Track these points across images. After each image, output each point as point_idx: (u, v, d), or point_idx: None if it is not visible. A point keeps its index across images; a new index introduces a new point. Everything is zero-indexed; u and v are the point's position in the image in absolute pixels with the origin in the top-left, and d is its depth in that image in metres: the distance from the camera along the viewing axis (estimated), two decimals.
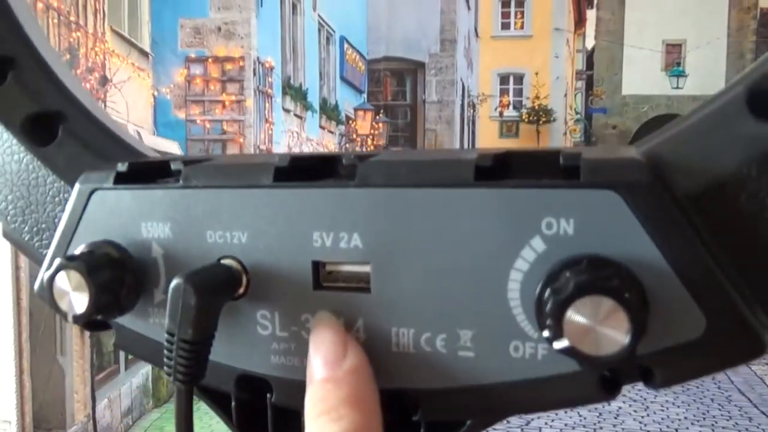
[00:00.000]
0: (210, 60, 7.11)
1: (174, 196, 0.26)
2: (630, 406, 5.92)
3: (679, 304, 0.20)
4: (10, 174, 0.30)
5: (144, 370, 6.17)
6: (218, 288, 0.24)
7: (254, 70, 7.21)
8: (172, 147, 6.53)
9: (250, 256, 0.25)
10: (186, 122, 7.18)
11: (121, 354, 6.08)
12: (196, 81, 7.14)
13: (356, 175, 0.23)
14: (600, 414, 5.70)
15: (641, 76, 22.64)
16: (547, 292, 0.20)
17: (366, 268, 0.24)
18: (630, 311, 0.19)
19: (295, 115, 8.66)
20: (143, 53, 6.64)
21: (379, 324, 0.24)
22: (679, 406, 5.94)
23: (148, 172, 0.27)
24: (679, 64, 21.08)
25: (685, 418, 5.68)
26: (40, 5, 4.98)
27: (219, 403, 0.27)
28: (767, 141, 0.20)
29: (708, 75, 19.92)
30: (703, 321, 0.20)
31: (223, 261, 0.25)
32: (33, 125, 0.29)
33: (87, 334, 5.51)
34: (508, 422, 5.54)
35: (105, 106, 5.22)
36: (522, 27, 20.05)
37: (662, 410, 5.84)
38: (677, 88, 19.04)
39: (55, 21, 5.19)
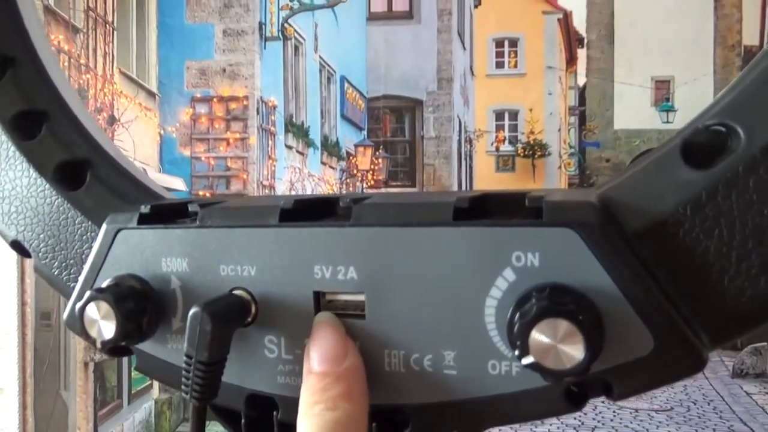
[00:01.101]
0: (215, 99, 7.27)
1: (191, 235, 0.28)
2: None
3: (630, 326, 0.23)
4: (43, 215, 0.32)
5: (146, 405, 6.14)
6: (231, 316, 0.27)
7: (257, 108, 7.37)
8: (177, 183, 6.64)
9: (259, 287, 0.27)
10: (191, 159, 7.30)
11: (124, 389, 6.06)
12: (201, 120, 7.29)
13: (351, 216, 0.26)
14: None
15: (632, 111, 23.02)
16: (516, 315, 0.23)
17: (361, 297, 0.26)
18: (584, 331, 0.22)
19: (297, 151, 8.81)
20: (150, 93, 6.81)
21: (373, 346, 0.26)
22: None
23: (167, 213, 0.29)
24: (668, 99, 21.44)
25: None
26: (52, 49, 5.13)
27: (230, 420, 0.29)
28: (699, 185, 0.22)
29: (697, 109, 19.79)
30: (651, 340, 0.23)
31: (234, 292, 0.27)
32: (64, 172, 0.32)
33: (90, 369, 5.50)
34: None
35: None
36: (516, 66, 20.48)
37: None
38: (667, 122, 19.35)
39: (66, 64, 5.34)
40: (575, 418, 6.40)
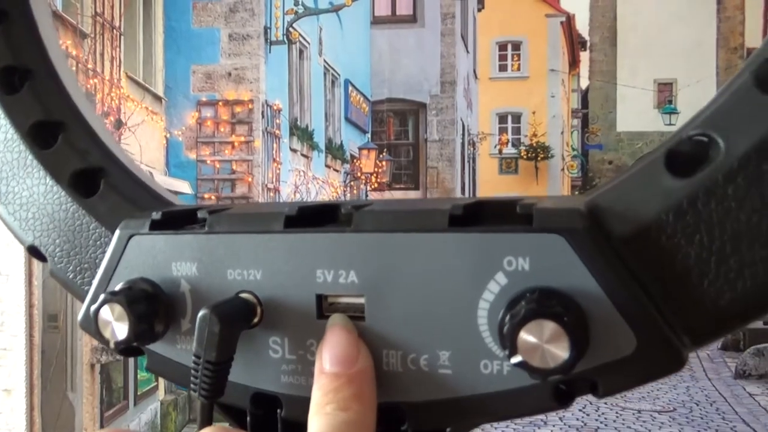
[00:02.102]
0: (220, 103, 7.31)
1: (200, 240, 0.29)
2: None
3: (614, 327, 0.24)
4: (58, 221, 0.33)
5: (153, 406, 6.18)
6: (237, 318, 0.28)
7: (262, 112, 7.41)
8: (183, 186, 6.69)
9: (264, 290, 0.28)
10: (197, 162, 7.34)
11: (130, 390, 6.10)
12: (206, 123, 7.33)
13: (352, 222, 0.27)
14: None
15: (635, 114, 23.02)
16: (507, 317, 0.24)
17: (361, 300, 0.27)
18: (569, 332, 0.23)
19: (302, 154, 8.86)
20: (157, 98, 6.86)
21: (372, 347, 0.27)
22: None
23: (178, 219, 0.30)
24: (670, 102, 21.41)
25: None
26: (66, 60, 5.17)
27: (236, 418, 0.30)
28: (681, 193, 0.23)
29: None
30: (634, 340, 0.23)
31: (241, 295, 0.28)
32: (78, 180, 0.33)
33: (97, 370, 5.54)
34: None
35: None
36: (519, 69, 20.50)
37: None
38: (670, 124, 19.35)
39: (74, 69, 5.40)
40: (578, 419, 6.42)
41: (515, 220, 0.25)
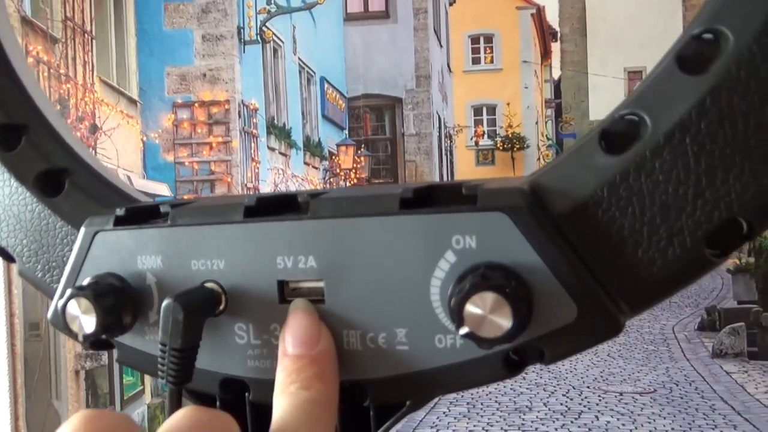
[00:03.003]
0: (196, 104, 7.27)
1: (163, 233, 0.30)
2: (618, 420, 5.99)
3: (556, 298, 0.25)
4: (25, 222, 0.33)
5: (140, 410, 6.14)
6: (201, 305, 0.28)
7: (239, 112, 7.39)
8: (161, 189, 6.64)
9: (228, 279, 0.29)
10: (175, 164, 7.30)
11: (116, 395, 6.06)
12: (183, 125, 7.28)
13: (309, 210, 0.28)
14: (589, 429, 5.77)
15: (607, 102, 23.25)
16: (455, 292, 0.25)
17: (320, 284, 0.28)
18: (511, 302, 0.24)
19: (280, 153, 8.85)
20: (131, 101, 6.80)
21: (333, 328, 0.28)
22: (665, 417, 6.04)
23: (141, 214, 0.31)
24: None
25: (672, 429, 5.73)
26: (30, 59, 5.11)
27: (207, 404, 0.30)
28: (613, 169, 0.24)
29: None
30: (575, 309, 0.25)
31: (206, 284, 0.29)
32: (43, 180, 0.33)
33: (81, 377, 5.49)
34: None
35: (95, 153, 5.32)
36: (492, 61, 20.62)
37: (649, 422, 5.92)
38: None
39: (46, 74, 5.33)
40: (561, 404, 6.53)
41: (462, 201, 0.26)
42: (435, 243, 0.26)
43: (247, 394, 0.30)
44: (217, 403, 0.30)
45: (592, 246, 0.25)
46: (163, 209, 0.30)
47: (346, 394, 0.28)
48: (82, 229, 0.31)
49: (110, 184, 0.34)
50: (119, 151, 5.96)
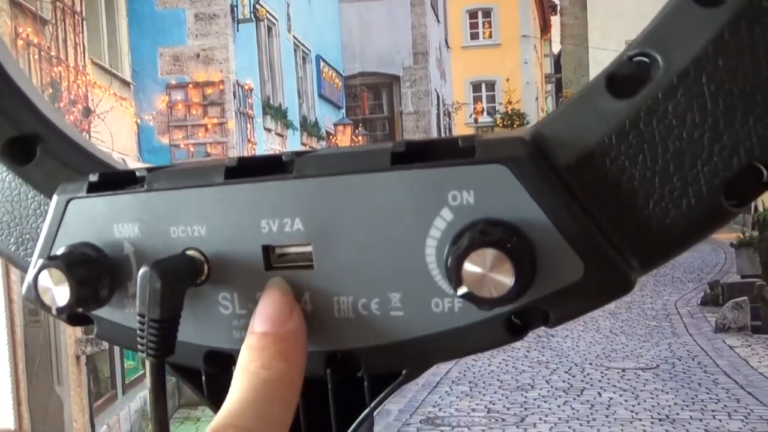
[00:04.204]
0: (190, 85, 7.20)
1: (140, 199, 0.28)
2: (620, 396, 6.01)
3: (561, 254, 0.24)
4: None
5: (141, 394, 6.16)
6: (180, 273, 0.27)
7: (234, 92, 7.31)
8: None
9: (210, 246, 0.27)
10: (170, 147, 7.25)
11: (118, 379, 6.07)
12: (177, 107, 7.22)
13: (294, 168, 0.26)
14: (592, 406, 5.80)
15: None
16: (451, 250, 0.24)
17: (308, 248, 0.27)
18: (513, 258, 0.23)
19: (277, 133, 8.77)
20: (124, 83, 6.71)
21: (323, 295, 0.27)
22: (668, 393, 6.05)
23: (116, 180, 0.29)
24: None
25: (675, 404, 5.77)
26: (20, 42, 5.04)
27: (191, 378, 0.30)
28: (622, 114, 0.23)
29: None
30: (581, 266, 0.23)
31: (186, 252, 0.28)
32: (13, 148, 0.31)
33: (83, 362, 5.50)
34: (503, 420, 5.61)
35: (89, 136, 5.25)
36: (490, 36, 20.41)
37: (652, 398, 5.95)
38: None
39: (36, 57, 5.25)
40: (564, 381, 6.54)
41: (458, 155, 0.25)
42: (430, 200, 0.25)
43: (233, 367, 0.28)
44: (203, 378, 0.29)
45: (599, 198, 0.24)
46: (139, 174, 0.29)
47: (339, 366, 0.27)
48: (54, 197, 0.30)
49: (84, 150, 0.32)
50: (113, 134, 5.89)
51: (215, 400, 0.29)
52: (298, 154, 0.27)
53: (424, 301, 0.25)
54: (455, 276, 0.23)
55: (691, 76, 0.22)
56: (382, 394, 0.27)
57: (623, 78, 0.23)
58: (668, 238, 0.23)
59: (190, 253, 0.28)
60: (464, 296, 0.23)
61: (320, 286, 0.27)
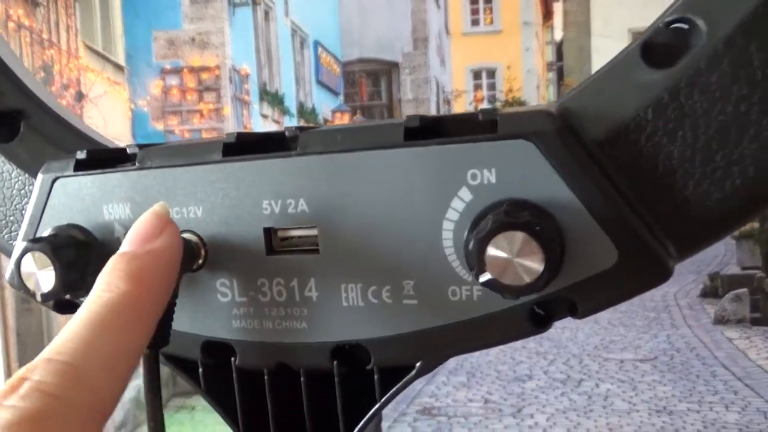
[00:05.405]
0: (185, 70, 7.12)
1: (131, 178, 0.27)
2: (618, 387, 6.01)
3: (592, 239, 0.22)
4: None
5: (135, 383, 6.11)
6: None
7: (230, 78, 7.23)
8: None
9: (207, 228, 0.26)
10: (165, 133, 7.17)
11: None
12: (172, 92, 7.14)
13: (298, 144, 0.25)
14: (590, 397, 5.80)
15: None
16: (473, 233, 0.22)
17: (313, 231, 0.25)
18: (542, 243, 0.21)
19: (273, 120, 8.69)
20: (118, 67, 6.63)
21: (330, 282, 0.25)
22: (666, 384, 6.06)
23: (106, 158, 0.28)
24: None
25: (673, 395, 5.78)
26: (11, 25, 4.95)
27: (187, 370, 0.28)
28: (659, 86, 0.21)
29: None
30: (614, 252, 0.22)
31: (182, 235, 0.26)
32: None
33: None
34: (500, 410, 5.61)
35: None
36: (491, 22, 20.25)
37: (650, 389, 5.95)
38: None
39: (28, 40, 5.16)
40: (561, 372, 6.53)
41: (478, 130, 0.23)
42: (447, 179, 0.23)
43: (233, 358, 0.27)
44: (200, 370, 0.28)
45: (633, 178, 0.22)
46: (130, 151, 0.27)
47: (347, 358, 0.25)
48: (39, 176, 0.28)
49: (72, 127, 0.30)
50: (107, 119, 5.81)
51: (213, 393, 0.28)
52: (302, 129, 0.25)
53: (439, 289, 0.24)
54: (477, 261, 0.21)
55: (739, 43, 0.20)
56: (394, 389, 0.25)
57: (660, 46, 0.21)
58: (709, 222, 0.21)
59: (185, 236, 0.26)
60: (486, 284, 0.21)
61: (326, 272, 0.25)
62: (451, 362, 6.88)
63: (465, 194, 0.23)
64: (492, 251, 0.21)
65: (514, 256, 0.21)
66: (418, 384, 6.21)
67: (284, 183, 0.25)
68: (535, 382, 6.22)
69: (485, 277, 0.21)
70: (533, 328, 0.23)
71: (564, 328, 8.03)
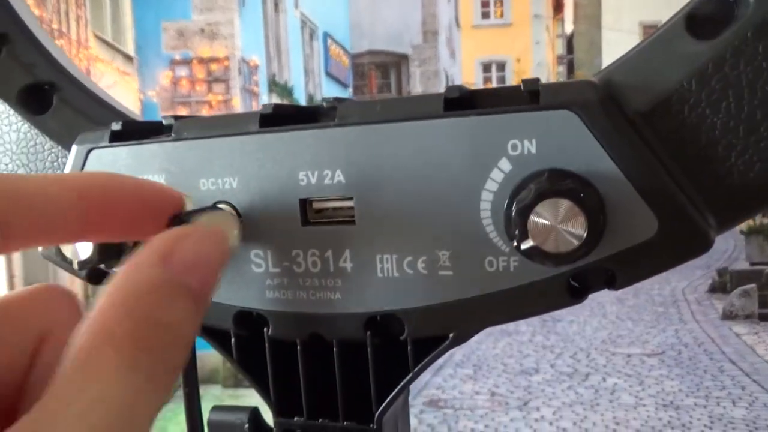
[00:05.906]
0: (195, 61, 7.11)
1: (167, 149, 0.27)
2: (625, 381, 6.00)
3: (633, 209, 0.22)
4: (9, 143, 0.31)
5: None
6: None
7: (239, 69, 7.22)
8: None
9: (242, 199, 0.26)
10: None
11: None
12: (182, 82, 7.14)
13: (336, 116, 0.25)
14: (597, 391, 5.79)
15: None
16: (514, 203, 0.22)
17: (350, 203, 0.25)
18: (586, 210, 0.21)
19: None
20: (128, 57, 6.64)
21: (365, 253, 0.25)
22: (673, 379, 6.04)
23: (141, 130, 0.28)
24: None
25: (680, 390, 5.76)
26: None
27: (220, 341, 0.28)
28: (704, 56, 0.21)
29: None
30: (655, 222, 0.22)
31: (217, 206, 0.26)
32: (28, 96, 0.31)
33: None
34: (507, 403, 5.61)
35: None
36: (502, 15, 20.13)
37: (657, 384, 5.93)
38: None
39: None
40: (568, 366, 6.52)
41: (520, 101, 0.23)
42: (487, 150, 0.23)
43: (266, 329, 0.27)
44: (232, 341, 0.28)
45: (676, 149, 0.22)
46: (166, 122, 0.27)
47: (380, 328, 0.26)
48: (74, 147, 0.28)
49: (102, 101, 0.31)
50: None
51: (245, 364, 0.28)
52: (340, 100, 0.25)
53: (476, 259, 0.24)
54: (520, 228, 0.21)
55: None
56: (427, 358, 0.25)
57: (705, 17, 0.21)
58: (751, 194, 0.22)
59: (221, 206, 0.26)
60: (528, 251, 0.21)
61: (361, 243, 0.25)
62: (458, 355, 6.87)
63: (505, 165, 0.23)
64: (534, 219, 0.21)
65: (558, 222, 0.21)
66: (424, 376, 6.22)
67: (321, 154, 0.25)
68: (541, 375, 6.22)
69: (528, 243, 0.21)
70: (570, 299, 0.23)
71: (572, 321, 8.01)
